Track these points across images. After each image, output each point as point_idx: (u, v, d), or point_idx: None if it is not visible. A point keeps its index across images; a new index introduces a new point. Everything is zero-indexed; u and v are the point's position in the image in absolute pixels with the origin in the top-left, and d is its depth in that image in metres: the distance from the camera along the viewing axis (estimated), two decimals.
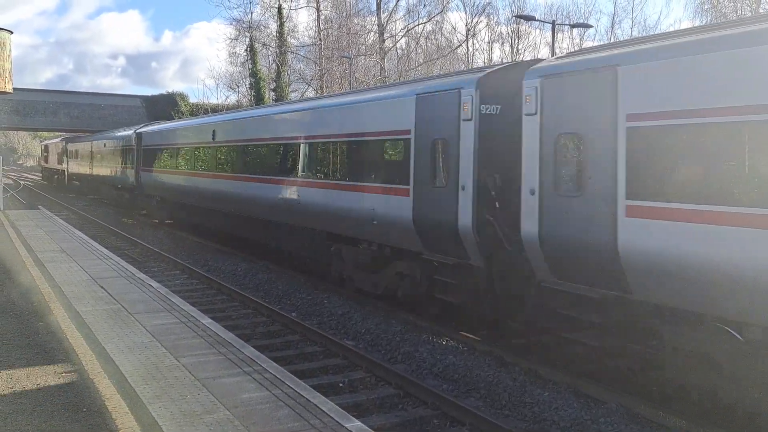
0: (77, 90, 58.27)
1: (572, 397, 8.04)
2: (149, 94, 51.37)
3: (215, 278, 14.89)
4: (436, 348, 9.88)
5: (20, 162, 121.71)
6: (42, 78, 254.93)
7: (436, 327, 10.80)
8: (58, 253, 14.40)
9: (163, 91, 52.91)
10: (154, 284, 11.18)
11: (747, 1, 36.57)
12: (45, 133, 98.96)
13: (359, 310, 12.23)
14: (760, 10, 34.69)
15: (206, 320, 8.82)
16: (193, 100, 50.42)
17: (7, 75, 26.06)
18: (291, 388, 6.29)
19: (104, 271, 12.24)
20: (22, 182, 60.76)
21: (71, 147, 44.81)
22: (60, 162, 50.09)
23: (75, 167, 43.66)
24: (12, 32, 26.79)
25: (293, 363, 9.30)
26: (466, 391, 8.46)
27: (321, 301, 13.01)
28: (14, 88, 28.64)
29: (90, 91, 58.85)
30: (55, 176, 53.64)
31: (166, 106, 46.06)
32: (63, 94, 50.05)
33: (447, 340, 10.25)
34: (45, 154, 62.33)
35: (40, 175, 71.10)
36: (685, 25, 47.14)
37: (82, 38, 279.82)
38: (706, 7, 38.74)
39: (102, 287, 10.73)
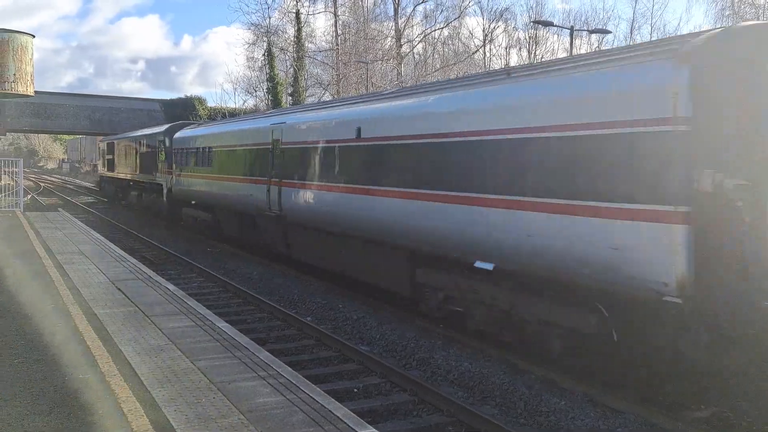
0: (97, 93, 57.37)
1: (589, 406, 7.96)
2: (168, 98, 51.81)
3: (231, 281, 14.95)
4: (450, 354, 9.84)
5: (41, 164, 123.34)
6: (63, 81, 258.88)
7: (451, 333, 10.75)
8: (77, 255, 14.53)
9: (182, 95, 53.06)
10: (171, 287, 11.24)
11: None
12: (66, 136, 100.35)
13: (374, 315, 12.21)
14: None
15: (222, 324, 8.84)
16: (211, 104, 50.81)
17: (29, 78, 26.40)
18: (305, 393, 6.28)
19: (122, 274, 12.33)
20: (42, 184, 61.53)
21: (184, 144, 23.76)
22: (148, 170, 28.95)
23: (205, 186, 21.27)
24: (34, 36, 27.17)
25: (308, 368, 9.29)
26: (482, 398, 8.41)
27: (336, 305, 13.01)
28: (36, 92, 29.02)
29: (110, 94, 58.80)
30: (134, 193, 32.35)
31: (184, 110, 46.40)
32: (83, 97, 50.62)
33: (462, 347, 10.20)
34: (108, 157, 39.19)
35: (96, 186, 48.72)
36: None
37: (102, 42, 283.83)
38: (727, 13, 38.43)
39: (119, 289, 10.80)
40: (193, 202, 22.91)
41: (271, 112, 21.03)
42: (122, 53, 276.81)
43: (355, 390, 8.56)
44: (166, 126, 28.30)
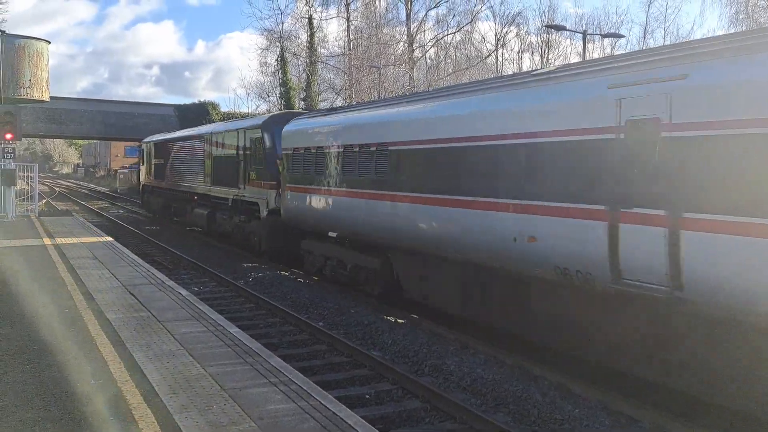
0: (111, 99, 57.15)
1: (603, 413, 7.86)
2: (181, 103, 52.17)
3: (243, 286, 14.95)
4: (463, 360, 9.76)
5: (56, 169, 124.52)
6: (78, 87, 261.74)
7: (464, 338, 10.67)
8: (90, 259, 14.59)
9: (195, 100, 53.32)
10: (183, 292, 11.24)
11: None
12: (81, 141, 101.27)
13: (386, 320, 12.16)
14: None
15: (234, 329, 8.82)
16: (224, 108, 51.11)
17: (45, 84, 26.62)
18: (317, 399, 6.24)
19: (135, 278, 12.36)
20: (57, 189, 62.08)
21: (305, 141, 15.41)
22: (229, 180, 20.55)
23: (367, 211, 12.63)
24: (50, 42, 27.38)
25: (320, 373, 9.27)
26: (495, 405, 8.33)
27: (348, 310, 12.97)
28: (51, 97, 29.26)
29: (124, 99, 59.05)
30: (201, 211, 23.57)
31: (198, 114, 46.65)
32: (98, 102, 50.94)
33: (475, 353, 10.12)
34: (156, 161, 30.39)
35: (138, 199, 38.21)
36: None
37: (118, 48, 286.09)
38: (741, 17, 38.12)
39: (132, 294, 10.82)
40: (332, 235, 14.15)
41: (608, 60, 9.12)
42: (137, 59, 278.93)
43: (367, 396, 8.52)
44: (263, 117, 19.97)
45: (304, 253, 16.16)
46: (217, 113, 48.59)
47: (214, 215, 22.57)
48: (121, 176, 68.65)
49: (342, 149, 13.71)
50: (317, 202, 14.72)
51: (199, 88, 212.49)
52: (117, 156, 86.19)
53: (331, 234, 14.22)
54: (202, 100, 51.27)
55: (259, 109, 50.40)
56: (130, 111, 49.55)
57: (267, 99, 51.14)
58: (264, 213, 17.88)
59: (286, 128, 16.79)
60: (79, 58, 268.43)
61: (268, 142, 18.10)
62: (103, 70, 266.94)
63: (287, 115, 18.72)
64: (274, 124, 18.23)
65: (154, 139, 32.15)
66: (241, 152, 19.78)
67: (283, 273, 17.09)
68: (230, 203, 20.64)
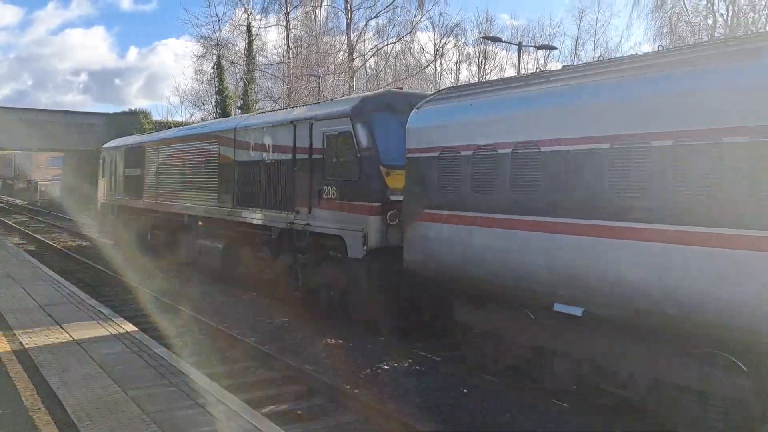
0: (35, 107, 54.03)
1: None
2: (111, 112, 50.64)
3: (173, 303, 14.40)
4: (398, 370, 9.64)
5: None
6: (0, 94, 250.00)
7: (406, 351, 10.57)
8: (3, 278, 13.83)
9: (126, 109, 51.75)
10: (105, 311, 10.76)
11: (703, 27, 37.63)
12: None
13: (322, 336, 11.95)
14: (716, 35, 35.67)
15: (159, 349, 8.46)
16: (156, 117, 49.78)
17: None
18: (245, 419, 6.00)
19: (53, 297, 11.75)
20: None
21: (498, 134, 8.39)
22: (274, 200, 13.81)
23: None
24: None
25: (251, 391, 8.96)
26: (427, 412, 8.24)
27: (283, 324, 12.69)
28: None
29: (48, 108, 56.44)
30: (214, 244, 16.38)
31: (128, 123, 45.30)
32: (19, 111, 48.63)
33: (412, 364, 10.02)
34: (127, 172, 23.41)
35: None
36: (645, 48, 48.21)
37: (43, 54, 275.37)
38: (665, 31, 39.75)
39: (49, 315, 10.27)
40: (568, 311, 7.44)
41: None
42: (65, 65, 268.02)
43: (299, 412, 8.28)
44: (350, 101, 12.32)
45: (458, 318, 9.71)
46: (149, 122, 47.33)
47: (236, 251, 15.75)
48: (43, 188, 65.94)
49: (612, 146, 6.95)
50: (520, 243, 8.00)
51: (131, 95, 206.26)
52: (39, 167, 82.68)
53: (566, 310, 7.49)
54: (133, 108, 49.86)
55: (193, 118, 49.37)
56: (54, 120, 47.58)
57: (202, 107, 50.19)
58: (358, 253, 11.14)
59: (421, 115, 9.97)
60: (2, 64, 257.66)
61: (364, 140, 11.28)
62: (27, 76, 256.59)
63: (388, 98, 12.09)
64: (372, 111, 11.58)
65: (125, 143, 24.52)
66: (301, 156, 12.91)
67: (213, 287, 16.46)
68: (275, 235, 13.94)
